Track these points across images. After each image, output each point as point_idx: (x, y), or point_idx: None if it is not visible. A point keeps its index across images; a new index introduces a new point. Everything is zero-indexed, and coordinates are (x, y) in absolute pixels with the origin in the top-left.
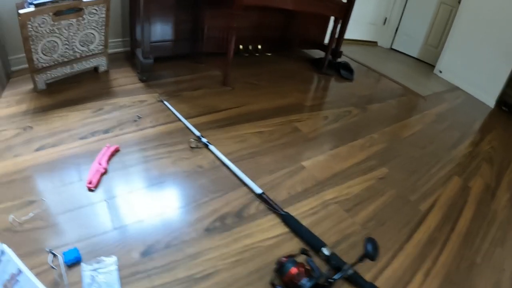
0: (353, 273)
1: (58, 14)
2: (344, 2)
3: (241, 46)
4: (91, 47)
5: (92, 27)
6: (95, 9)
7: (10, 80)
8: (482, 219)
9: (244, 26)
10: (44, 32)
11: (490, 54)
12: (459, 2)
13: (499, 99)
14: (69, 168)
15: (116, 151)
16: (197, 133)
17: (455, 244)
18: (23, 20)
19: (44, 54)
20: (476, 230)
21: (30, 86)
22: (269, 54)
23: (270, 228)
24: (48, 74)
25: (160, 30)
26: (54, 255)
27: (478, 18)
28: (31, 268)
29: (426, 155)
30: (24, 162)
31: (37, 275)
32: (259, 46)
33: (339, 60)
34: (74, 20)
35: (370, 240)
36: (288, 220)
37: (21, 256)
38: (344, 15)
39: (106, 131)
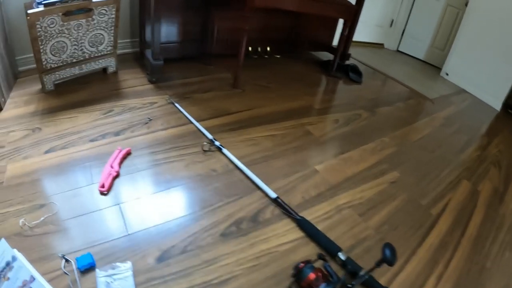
0: (369, 277)
1: (67, 14)
2: (353, 5)
3: (250, 48)
4: (100, 47)
5: (102, 27)
6: (105, 10)
7: (18, 81)
8: (491, 223)
9: (252, 28)
10: (53, 32)
11: (496, 57)
12: (466, 5)
13: (505, 102)
14: (80, 171)
15: (128, 154)
16: (210, 136)
17: (465, 248)
18: (32, 20)
19: (52, 55)
20: (485, 234)
21: (37, 86)
22: (278, 56)
23: (285, 233)
24: (57, 75)
25: (170, 32)
26: (67, 261)
27: (484, 21)
28: (43, 274)
29: (435, 159)
30: (33, 164)
31: (50, 281)
32: (268, 48)
33: (347, 62)
34: (84, 20)
35: (388, 245)
36: (304, 225)
37: (32, 261)
38: (353, 17)
39: (117, 134)
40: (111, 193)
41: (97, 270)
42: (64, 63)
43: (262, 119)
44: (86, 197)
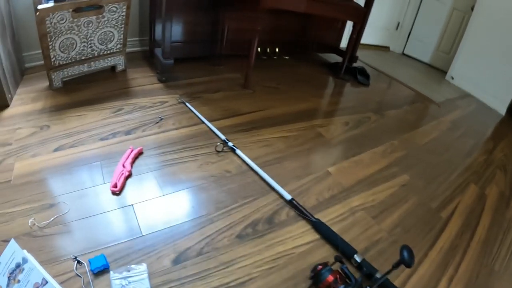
0: (385, 279)
1: (77, 10)
2: (362, 7)
3: (259, 49)
4: (110, 45)
5: (112, 25)
6: (116, 7)
7: (24, 77)
8: (499, 227)
9: (262, 29)
10: (63, 29)
11: (502, 62)
12: (472, 9)
13: (510, 107)
14: (90, 170)
15: (140, 153)
16: (223, 137)
17: (475, 251)
18: (42, 16)
19: (61, 52)
20: (493, 237)
21: (45, 83)
22: (287, 58)
23: (301, 235)
24: (65, 72)
25: (180, 31)
26: (79, 263)
27: (490, 25)
28: (54, 276)
29: (443, 162)
30: (42, 163)
31: (61, 283)
32: (276, 49)
33: (354, 65)
34: (94, 17)
35: (406, 247)
36: (320, 227)
37: (42, 263)
38: (362, 20)
39: (127, 133)
40: (124, 193)
41: (111, 272)
42: (73, 60)
43: (273, 120)
44: (97, 197)
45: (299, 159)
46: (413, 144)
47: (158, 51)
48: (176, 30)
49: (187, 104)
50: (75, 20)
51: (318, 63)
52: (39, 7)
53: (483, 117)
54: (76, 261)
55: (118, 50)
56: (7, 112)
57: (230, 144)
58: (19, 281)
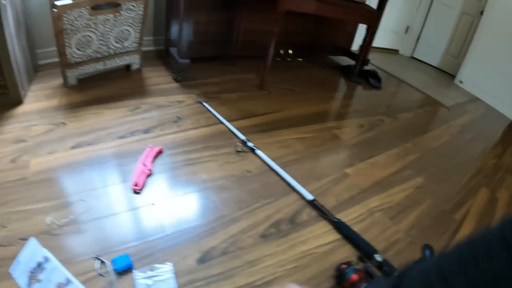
0: None
1: (95, 8)
2: (376, 10)
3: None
4: (126, 44)
5: (129, 23)
6: (133, 5)
7: (37, 74)
8: None
9: (279, 31)
10: (80, 26)
11: (510, 67)
12: (481, 13)
13: None
14: (109, 168)
15: (160, 152)
16: (242, 137)
17: None
18: (59, 13)
19: (77, 49)
20: None
21: (59, 81)
22: (300, 60)
23: (323, 235)
24: (80, 70)
25: (196, 31)
26: (102, 262)
27: (499, 30)
28: (75, 276)
29: (454, 165)
30: (59, 160)
31: (83, 283)
32: (290, 51)
33: (366, 68)
34: (111, 15)
35: (428, 246)
36: (341, 227)
37: (62, 262)
38: (375, 23)
39: (146, 131)
40: (145, 192)
41: (134, 271)
42: (89, 58)
43: (290, 122)
44: (118, 196)
45: (317, 160)
46: (425, 147)
47: (173, 51)
48: (192, 30)
49: (205, 104)
50: (93, 17)
51: (330, 66)
52: (57, 3)
53: (491, 122)
54: (98, 260)
55: (134, 49)
56: (21, 108)
57: (249, 144)
58: (40, 280)
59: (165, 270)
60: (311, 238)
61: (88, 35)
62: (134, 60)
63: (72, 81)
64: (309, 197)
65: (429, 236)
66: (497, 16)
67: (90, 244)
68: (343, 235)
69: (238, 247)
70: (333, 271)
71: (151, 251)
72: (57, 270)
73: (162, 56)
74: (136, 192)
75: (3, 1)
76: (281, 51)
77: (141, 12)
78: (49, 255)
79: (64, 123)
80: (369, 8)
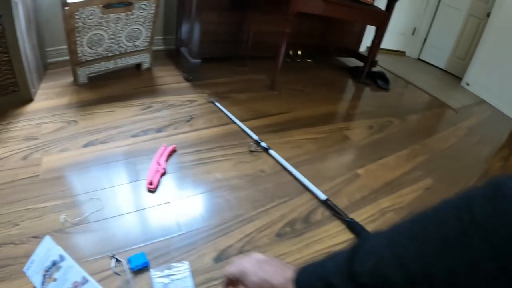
0: None
1: (108, 7)
2: (385, 12)
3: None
4: (137, 43)
5: (140, 22)
6: (145, 4)
7: (47, 72)
8: None
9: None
10: (92, 24)
11: None
12: (488, 16)
13: None
14: (123, 166)
15: (173, 151)
16: (255, 137)
17: None
18: (72, 11)
19: (89, 47)
20: None
21: (69, 79)
22: (309, 61)
23: (337, 234)
24: (91, 68)
25: (207, 31)
26: (117, 260)
27: (506, 33)
28: (90, 274)
29: (462, 168)
30: (71, 158)
31: (99, 282)
32: (299, 52)
33: (374, 69)
34: (123, 14)
35: None
36: (354, 227)
37: (77, 260)
38: (384, 24)
39: (159, 130)
40: (159, 191)
41: (151, 270)
42: (100, 56)
43: (301, 122)
44: (133, 194)
45: (329, 160)
46: (433, 149)
47: (184, 50)
48: (203, 30)
49: (217, 103)
50: (105, 16)
51: (338, 67)
52: (69, 1)
53: (497, 124)
54: (114, 259)
55: (144, 48)
56: (31, 106)
57: (263, 144)
58: (55, 279)
59: (182, 268)
60: (326, 237)
61: (100, 34)
62: (145, 59)
63: (83, 79)
64: (322, 197)
65: None
66: (504, 19)
67: (105, 243)
68: (356, 235)
69: (254, 246)
70: None
71: (167, 250)
72: (73, 269)
73: (172, 55)
74: (151, 190)
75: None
76: (291, 52)
77: (152, 11)
78: (65, 254)
79: (75, 121)
80: (378, 9)
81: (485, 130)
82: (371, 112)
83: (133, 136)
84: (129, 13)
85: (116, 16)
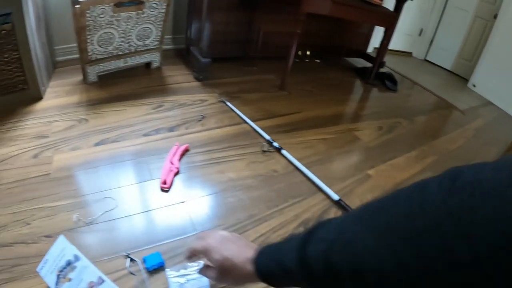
0: None
1: (119, 5)
2: (393, 13)
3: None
4: (147, 42)
5: (151, 21)
6: (156, 3)
7: (56, 71)
8: None
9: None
10: (103, 23)
11: None
12: (495, 17)
13: None
14: (135, 165)
15: (186, 150)
16: (267, 137)
17: None
18: (83, 9)
19: (99, 46)
20: None
21: (78, 77)
22: (318, 61)
23: None
24: (101, 66)
25: (217, 31)
26: (132, 260)
27: None
28: (105, 274)
29: None
30: (83, 156)
31: (114, 281)
32: (308, 53)
33: (382, 70)
34: (134, 13)
35: None
36: None
37: (91, 260)
38: (392, 25)
39: (170, 129)
40: (173, 190)
41: (167, 270)
42: (110, 55)
43: (311, 123)
44: (146, 193)
45: (340, 161)
46: (442, 150)
47: (194, 49)
48: (214, 30)
49: (228, 103)
50: (115, 14)
51: (346, 67)
52: None
53: (504, 126)
54: (129, 259)
55: (154, 47)
56: (41, 104)
57: (275, 144)
58: (70, 279)
59: (198, 268)
60: None
61: (110, 32)
62: (155, 58)
63: (93, 77)
64: (335, 197)
65: None
66: (511, 20)
67: (119, 242)
68: None
69: None
70: None
71: (182, 250)
72: (88, 269)
73: (181, 54)
74: (164, 190)
75: None
76: (299, 52)
77: (163, 10)
78: (79, 254)
79: (86, 120)
80: (387, 10)
81: (492, 132)
82: (379, 113)
83: (145, 135)
84: (140, 12)
85: (127, 14)
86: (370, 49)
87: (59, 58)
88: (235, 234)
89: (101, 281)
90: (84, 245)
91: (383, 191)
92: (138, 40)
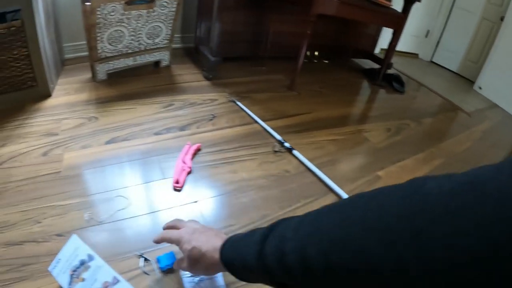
0: None
1: (129, 3)
2: (401, 14)
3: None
4: (157, 40)
5: (161, 20)
6: (166, 2)
7: (64, 68)
8: None
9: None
10: (113, 21)
11: None
12: (502, 19)
13: None
14: (147, 164)
15: (198, 150)
16: (279, 137)
17: None
18: (93, 7)
19: (109, 44)
20: None
21: (87, 75)
22: (326, 62)
23: None
24: (110, 64)
25: (227, 31)
26: (146, 260)
27: None
28: (119, 274)
29: None
30: (94, 155)
31: (128, 281)
32: (316, 53)
33: (389, 71)
34: (145, 11)
35: None
36: None
37: (103, 260)
38: (401, 26)
39: (181, 128)
40: (186, 190)
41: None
42: (119, 53)
43: (321, 123)
44: (159, 192)
45: (350, 162)
46: (449, 152)
47: (204, 49)
48: (224, 29)
49: (238, 103)
50: (126, 12)
51: (353, 68)
52: None
53: (511, 129)
54: (142, 258)
55: (164, 45)
56: (50, 102)
57: (286, 144)
58: (83, 279)
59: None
60: None
61: (120, 30)
62: (164, 57)
63: (102, 75)
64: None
65: None
66: None
67: (132, 242)
68: None
69: None
70: None
71: None
72: (102, 269)
73: (190, 53)
74: (177, 189)
75: None
76: (308, 53)
77: (173, 9)
78: (93, 253)
79: (96, 118)
80: (395, 12)
81: (499, 134)
82: (387, 114)
83: (156, 134)
84: (151, 10)
85: (138, 13)
86: (377, 50)
87: (68, 56)
88: (206, 226)
89: (116, 281)
90: (96, 244)
91: None
92: (148, 38)
